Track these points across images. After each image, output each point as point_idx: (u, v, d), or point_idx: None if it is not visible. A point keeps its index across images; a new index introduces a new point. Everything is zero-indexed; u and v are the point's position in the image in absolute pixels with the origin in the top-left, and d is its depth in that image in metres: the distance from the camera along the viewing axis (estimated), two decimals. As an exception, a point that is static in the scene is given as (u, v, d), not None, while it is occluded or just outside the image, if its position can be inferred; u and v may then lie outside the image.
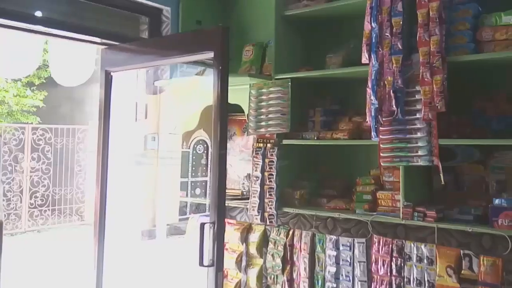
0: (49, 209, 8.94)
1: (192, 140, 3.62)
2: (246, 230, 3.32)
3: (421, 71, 2.44)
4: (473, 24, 2.44)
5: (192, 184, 3.61)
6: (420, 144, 2.48)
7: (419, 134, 2.48)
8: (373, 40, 2.59)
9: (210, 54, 2.50)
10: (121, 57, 3.01)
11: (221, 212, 2.42)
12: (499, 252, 2.37)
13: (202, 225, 2.39)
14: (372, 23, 2.59)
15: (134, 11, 3.34)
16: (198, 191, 3.61)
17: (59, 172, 9.08)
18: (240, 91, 3.16)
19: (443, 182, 2.46)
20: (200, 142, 3.62)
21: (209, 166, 3.41)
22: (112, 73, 3.06)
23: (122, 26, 3.36)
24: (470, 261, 2.42)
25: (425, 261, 2.56)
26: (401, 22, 2.51)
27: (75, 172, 9.33)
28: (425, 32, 2.43)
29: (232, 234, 3.30)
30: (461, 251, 2.45)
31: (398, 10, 2.52)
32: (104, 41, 3.14)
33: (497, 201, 2.33)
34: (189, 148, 3.61)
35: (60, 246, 7.75)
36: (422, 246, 2.57)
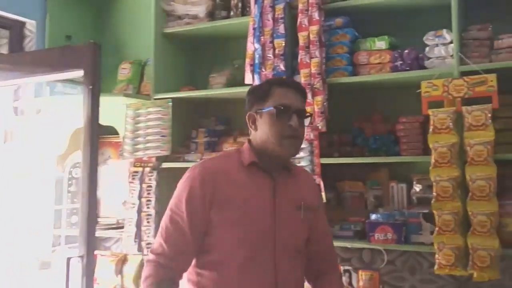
0: None
1: (68, 163, 3.29)
2: (121, 262, 3.06)
3: (303, 92, 2.50)
4: (351, 48, 2.57)
5: (68, 212, 3.28)
6: (302, 163, 2.51)
7: (301, 154, 2.51)
8: (256, 61, 2.61)
9: (80, 72, 2.30)
10: (-25, 74, 2.65)
11: (91, 245, 2.20)
12: (378, 265, 2.47)
13: (69, 260, 2.15)
14: (255, 44, 2.61)
15: (-9, 24, 2.99)
16: (74, 219, 3.28)
17: None
18: (116, 111, 2.96)
19: (325, 200, 2.52)
20: (78, 165, 3.30)
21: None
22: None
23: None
24: (350, 276, 2.47)
25: (307, 279, 2.56)
26: (283, 44, 2.56)
27: None
28: (306, 55, 2.51)
29: (105, 267, 3.03)
30: (342, 268, 2.49)
31: (280, 32, 2.58)
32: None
33: (373, 216, 2.42)
34: (63, 172, 3.28)
35: None
36: (306, 265, 2.57)
